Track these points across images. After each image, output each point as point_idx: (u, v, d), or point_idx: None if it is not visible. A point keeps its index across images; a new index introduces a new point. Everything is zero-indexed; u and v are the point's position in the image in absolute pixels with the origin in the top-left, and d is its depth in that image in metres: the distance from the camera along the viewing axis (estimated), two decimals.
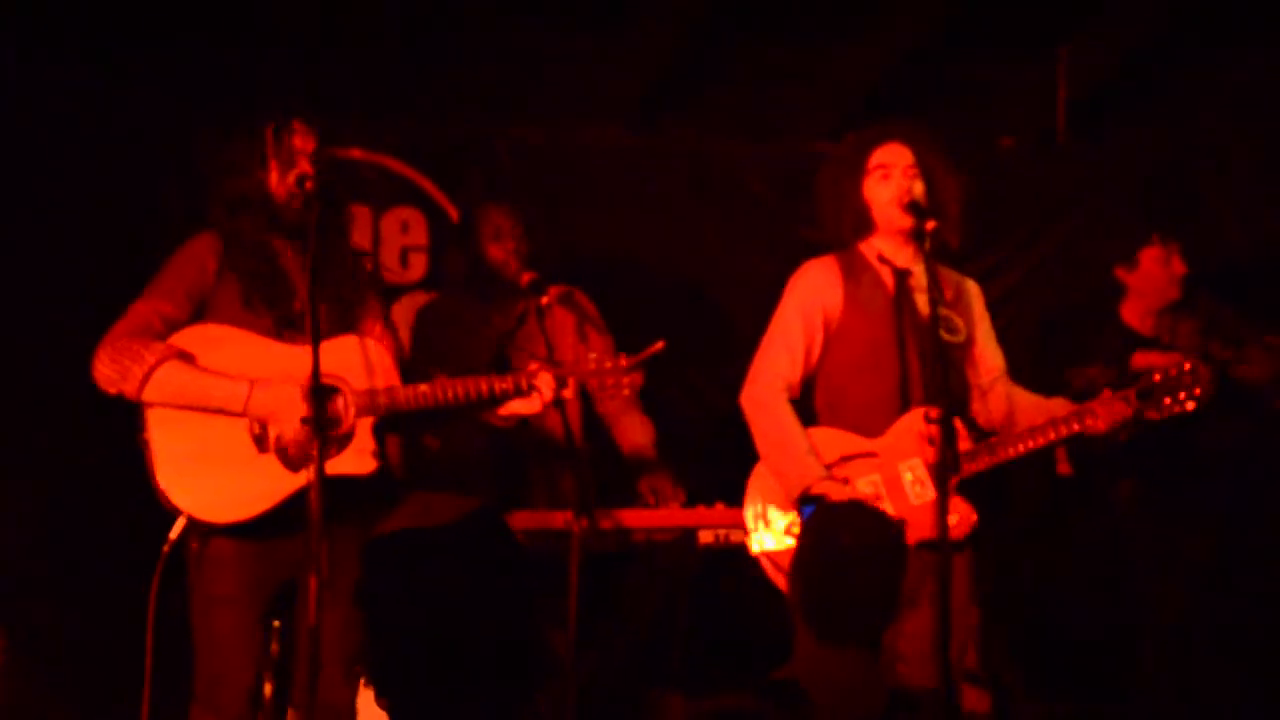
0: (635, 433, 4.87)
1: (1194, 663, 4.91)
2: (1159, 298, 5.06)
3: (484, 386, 3.80)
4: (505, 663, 2.37)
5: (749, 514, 4.17)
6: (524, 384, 3.82)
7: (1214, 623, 4.95)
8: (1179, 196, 5.80)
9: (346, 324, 3.80)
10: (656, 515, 4.54)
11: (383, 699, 2.36)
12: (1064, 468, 4.92)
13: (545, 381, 3.83)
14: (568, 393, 3.87)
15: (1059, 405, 4.15)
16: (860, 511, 3.36)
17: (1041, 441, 4.06)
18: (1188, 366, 4.03)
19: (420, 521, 2.44)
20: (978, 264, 5.69)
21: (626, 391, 3.96)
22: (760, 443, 4.16)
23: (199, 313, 3.71)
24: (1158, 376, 4.04)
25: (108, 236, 5.01)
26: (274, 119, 3.77)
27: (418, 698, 2.34)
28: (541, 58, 5.40)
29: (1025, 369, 5.02)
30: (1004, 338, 5.69)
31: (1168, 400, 4.04)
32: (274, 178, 3.74)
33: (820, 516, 3.34)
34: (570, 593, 3.99)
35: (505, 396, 3.83)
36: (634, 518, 4.49)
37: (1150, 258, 5.07)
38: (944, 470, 3.67)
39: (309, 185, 3.64)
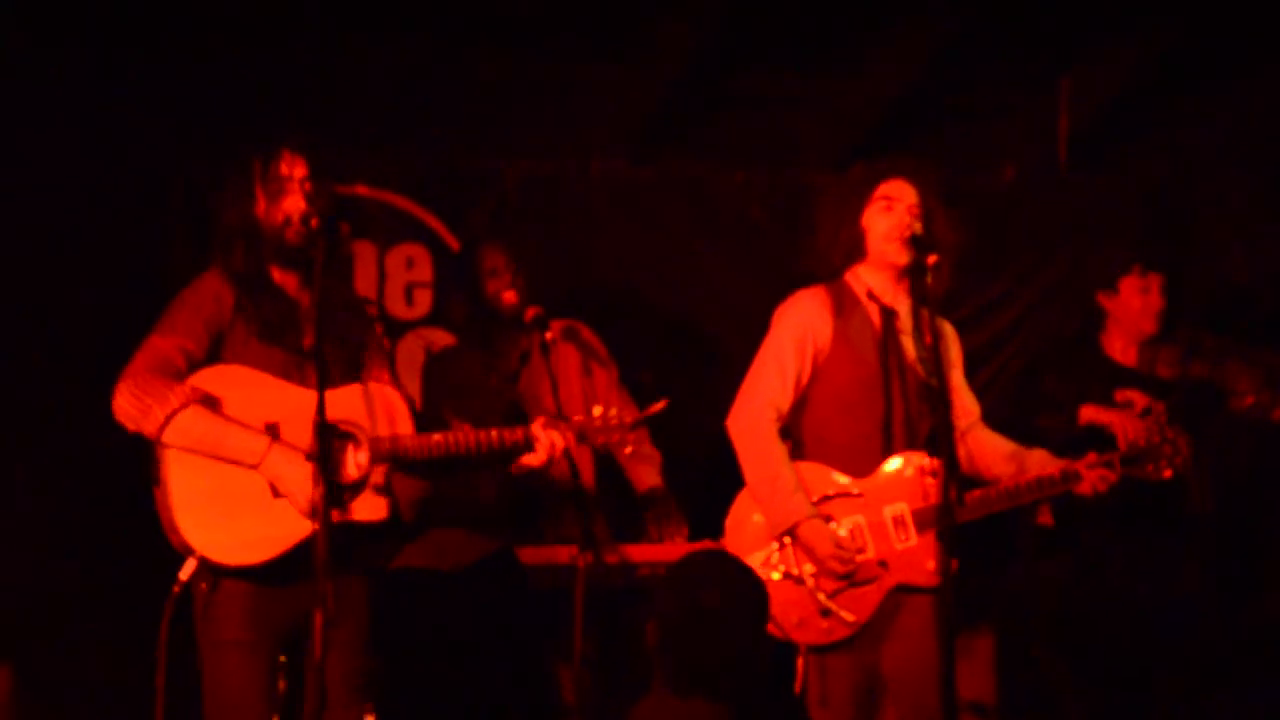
0: (642, 465, 4.88)
1: (1197, 688, 4.91)
2: (1134, 327, 5.05)
3: (494, 438, 3.82)
4: (511, 702, 2.37)
5: (729, 541, 4.18)
6: (531, 438, 3.86)
7: (1214, 645, 4.95)
8: (1178, 226, 5.82)
9: (354, 367, 3.81)
10: (661, 550, 4.54)
11: None
12: (1046, 519, 4.95)
13: (553, 437, 3.86)
14: (570, 446, 3.91)
15: (1039, 456, 4.21)
16: (727, 565, 3.35)
17: (1028, 499, 4.15)
18: (1170, 434, 4.21)
19: (436, 561, 2.45)
20: (981, 295, 5.74)
21: (629, 449, 4.01)
22: (748, 472, 4.15)
23: (214, 349, 3.70)
24: (1142, 443, 4.20)
25: (113, 265, 5.03)
26: (260, 149, 3.76)
27: None
28: (544, 90, 5.42)
29: (1021, 402, 5.07)
30: (1006, 369, 5.78)
31: (1150, 467, 4.21)
32: (261, 207, 3.73)
33: (686, 568, 3.32)
34: (575, 627, 4.00)
35: (516, 449, 3.86)
36: (639, 552, 4.49)
37: (1129, 286, 5.05)
38: (946, 511, 3.67)
39: (314, 223, 3.64)
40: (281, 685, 3.89)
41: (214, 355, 3.69)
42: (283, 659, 3.82)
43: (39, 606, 4.78)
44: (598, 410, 4.01)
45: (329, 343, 3.68)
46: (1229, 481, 5.01)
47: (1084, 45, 5.45)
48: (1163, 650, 4.86)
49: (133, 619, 3.82)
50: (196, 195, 5.06)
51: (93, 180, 5.05)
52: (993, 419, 4.43)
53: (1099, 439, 4.53)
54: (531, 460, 3.88)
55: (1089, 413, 4.83)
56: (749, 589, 3.22)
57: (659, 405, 4.05)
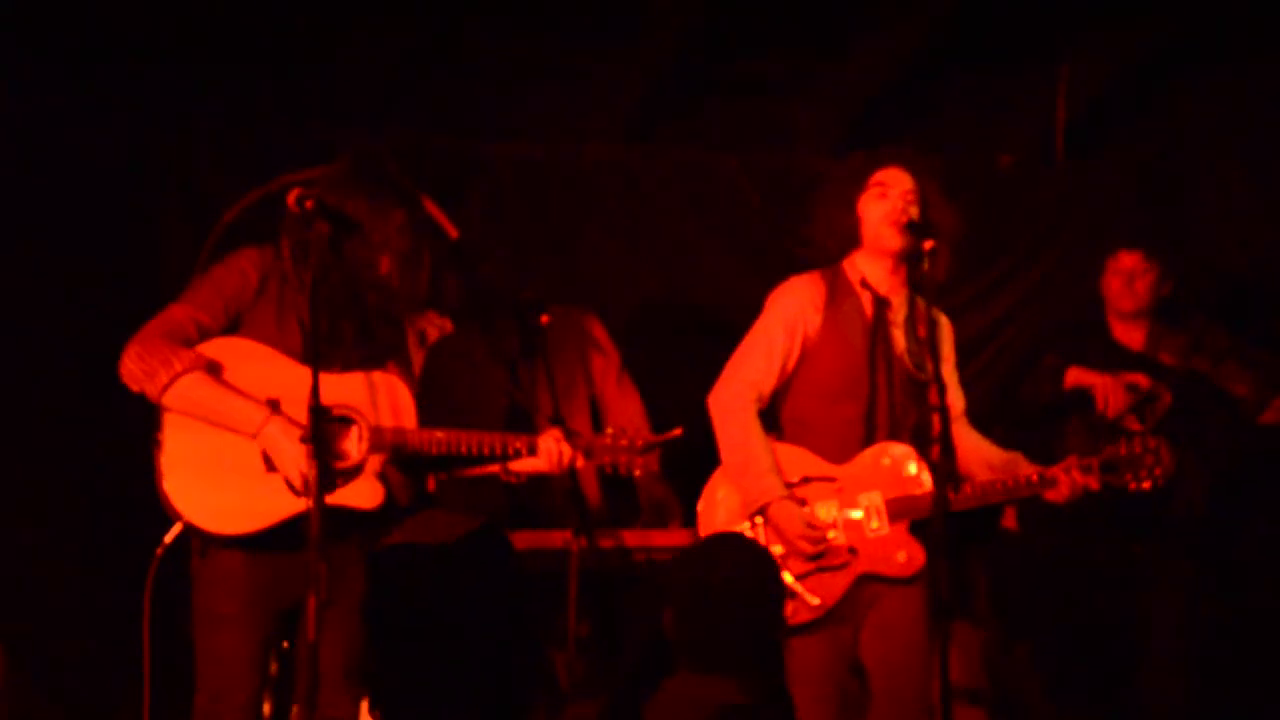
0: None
1: (1188, 679, 4.92)
2: (1117, 307, 5.05)
3: (498, 444, 3.83)
4: (501, 679, 2.37)
5: (701, 519, 4.20)
6: (534, 446, 3.87)
7: (1204, 641, 4.96)
8: (1175, 213, 5.82)
9: (374, 355, 3.80)
10: (656, 534, 4.54)
11: (377, 709, 2.36)
12: (1010, 523, 4.96)
13: (563, 449, 3.87)
14: (578, 463, 3.92)
15: (1015, 460, 4.18)
16: (735, 542, 3.41)
17: (1004, 497, 4.14)
18: (1152, 444, 4.09)
19: (423, 537, 2.44)
20: (977, 282, 5.73)
21: (639, 473, 4.03)
22: (724, 449, 4.16)
23: (233, 326, 3.72)
24: (1124, 450, 4.09)
25: (105, 246, 5.01)
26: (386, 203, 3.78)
27: (413, 710, 2.33)
28: (541, 72, 5.40)
29: (1022, 386, 5.06)
30: (1002, 355, 5.78)
31: (1128, 476, 4.10)
32: (384, 261, 3.73)
33: (696, 549, 3.39)
34: (569, 611, 4.00)
35: (518, 455, 3.87)
36: (634, 537, 4.49)
37: (1111, 268, 5.07)
38: (940, 501, 3.68)
39: (309, 204, 3.62)
40: (274, 668, 3.89)
41: (233, 330, 3.71)
42: (285, 645, 3.82)
43: (29, 583, 4.77)
44: (610, 431, 4.02)
45: (347, 328, 3.71)
46: (1213, 482, 5.02)
47: (1082, 32, 5.44)
48: (1131, 655, 4.87)
49: (125, 591, 3.81)
50: (193, 190, 5.07)
51: (88, 177, 5.01)
52: (989, 403, 4.45)
53: (1084, 406, 4.52)
54: (535, 465, 3.89)
55: (1075, 375, 4.83)
56: (757, 564, 3.28)
57: (674, 433, 4.05)
